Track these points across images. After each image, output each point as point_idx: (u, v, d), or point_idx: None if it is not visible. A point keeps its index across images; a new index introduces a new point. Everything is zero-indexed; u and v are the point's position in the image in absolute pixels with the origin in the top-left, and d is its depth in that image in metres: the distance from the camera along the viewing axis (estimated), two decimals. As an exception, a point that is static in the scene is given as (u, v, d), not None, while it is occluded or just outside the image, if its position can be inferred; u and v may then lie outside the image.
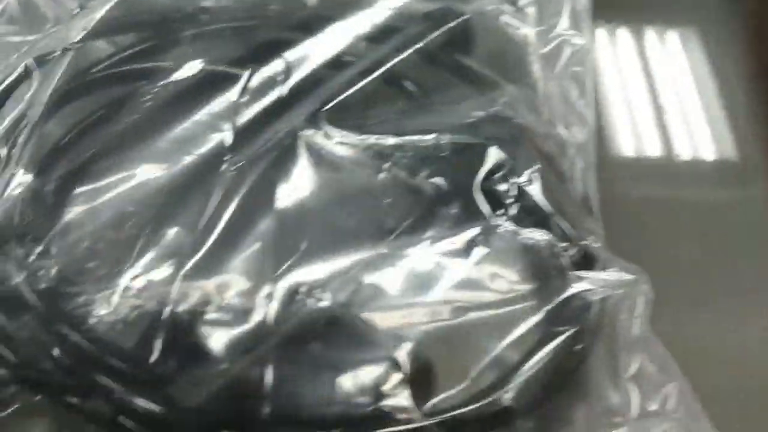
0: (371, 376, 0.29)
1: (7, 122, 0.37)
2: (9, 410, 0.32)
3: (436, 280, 0.33)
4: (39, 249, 0.33)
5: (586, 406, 0.31)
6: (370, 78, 0.38)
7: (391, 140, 0.36)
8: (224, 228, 0.35)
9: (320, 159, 0.36)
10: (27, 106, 0.37)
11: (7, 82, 0.38)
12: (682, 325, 0.36)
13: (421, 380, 0.29)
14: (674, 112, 0.47)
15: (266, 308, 0.32)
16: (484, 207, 0.34)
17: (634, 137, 0.46)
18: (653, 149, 0.46)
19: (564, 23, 0.42)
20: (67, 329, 0.32)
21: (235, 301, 0.33)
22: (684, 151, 0.46)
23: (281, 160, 0.37)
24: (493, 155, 0.35)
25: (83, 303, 0.33)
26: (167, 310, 0.32)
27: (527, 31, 0.42)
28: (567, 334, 0.31)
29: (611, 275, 0.32)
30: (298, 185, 0.36)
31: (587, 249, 0.33)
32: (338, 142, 0.37)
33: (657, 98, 0.47)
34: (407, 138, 0.36)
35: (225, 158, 0.37)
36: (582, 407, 0.30)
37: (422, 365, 0.30)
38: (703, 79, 0.48)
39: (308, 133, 0.37)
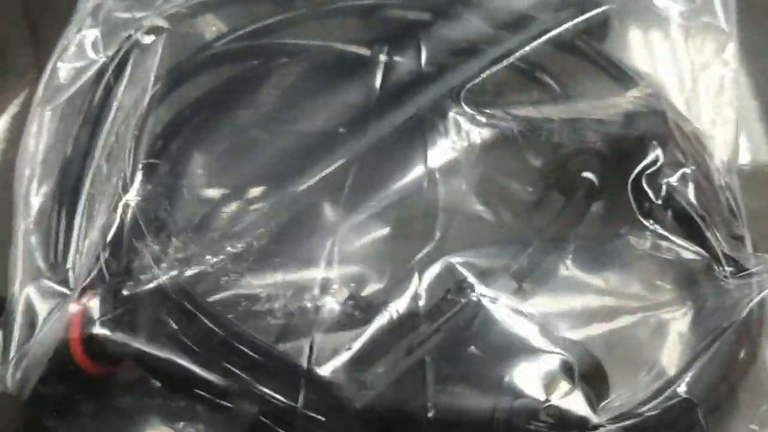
0: (538, 378, 0.29)
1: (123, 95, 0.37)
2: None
3: (590, 279, 0.33)
4: (178, 242, 0.32)
5: (759, 400, 0.31)
6: (505, 63, 0.37)
7: (545, 125, 0.36)
8: (364, 206, 0.34)
9: (468, 140, 0.36)
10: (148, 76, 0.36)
11: (122, 51, 0.38)
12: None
13: (593, 382, 0.28)
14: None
15: (417, 303, 0.31)
16: (636, 206, 0.34)
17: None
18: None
19: (711, 11, 0.41)
20: (216, 325, 0.30)
21: (379, 295, 0.32)
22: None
23: (425, 137, 0.36)
24: (651, 152, 0.35)
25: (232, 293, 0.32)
26: (318, 306, 0.31)
27: (674, 15, 0.41)
28: (731, 329, 0.31)
29: (765, 270, 0.32)
30: (442, 163, 0.36)
31: (738, 258, 0.33)
32: (486, 124, 0.36)
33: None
34: (558, 125, 0.36)
35: (365, 134, 0.36)
36: (755, 401, 0.31)
37: (593, 367, 0.29)
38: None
39: (455, 111, 0.36)
